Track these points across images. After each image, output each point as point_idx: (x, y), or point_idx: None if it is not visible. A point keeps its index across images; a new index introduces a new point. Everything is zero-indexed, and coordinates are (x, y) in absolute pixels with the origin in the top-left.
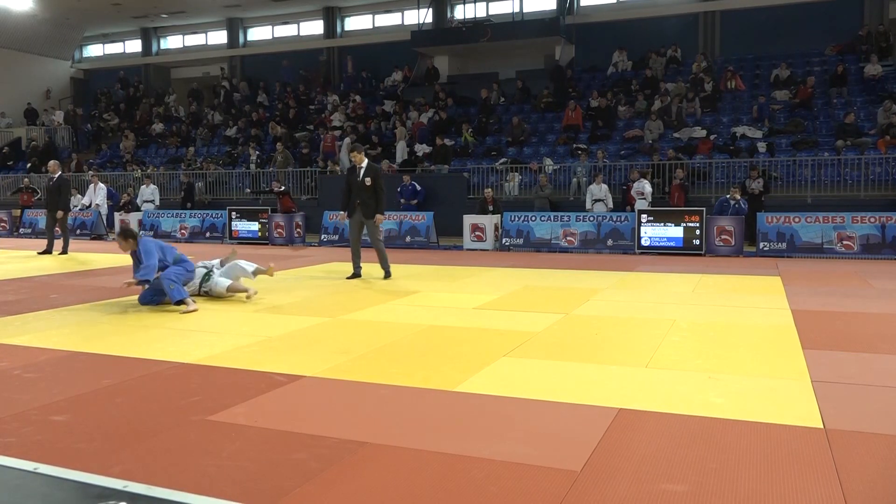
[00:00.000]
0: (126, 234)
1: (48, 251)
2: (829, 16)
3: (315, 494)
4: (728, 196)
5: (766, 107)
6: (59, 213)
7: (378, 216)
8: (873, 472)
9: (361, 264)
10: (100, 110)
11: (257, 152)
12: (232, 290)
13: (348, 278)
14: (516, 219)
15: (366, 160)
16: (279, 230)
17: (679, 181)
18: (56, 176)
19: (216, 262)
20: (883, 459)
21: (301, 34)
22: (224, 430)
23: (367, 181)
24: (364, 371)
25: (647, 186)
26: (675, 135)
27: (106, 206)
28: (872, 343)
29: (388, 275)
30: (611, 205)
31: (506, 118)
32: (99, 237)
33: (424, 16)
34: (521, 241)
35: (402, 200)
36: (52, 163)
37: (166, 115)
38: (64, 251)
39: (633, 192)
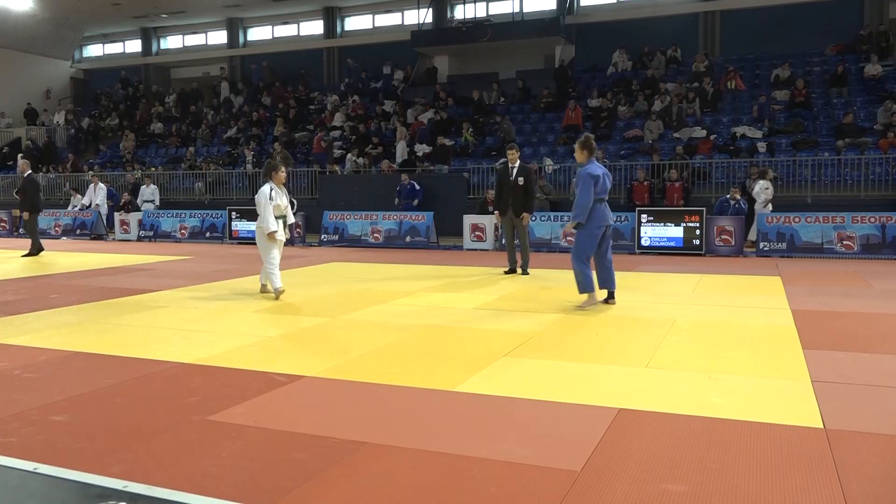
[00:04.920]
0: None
1: (32, 252)
2: (829, 16)
3: (315, 494)
4: (728, 196)
5: (766, 107)
6: (26, 214)
7: (525, 214)
8: (873, 472)
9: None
10: (100, 110)
11: (253, 153)
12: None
13: (505, 273)
14: None
15: (519, 160)
16: None
17: (673, 181)
18: (25, 175)
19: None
20: (883, 459)
21: (301, 34)
22: (224, 430)
23: (520, 181)
24: (364, 371)
25: (756, 186)
26: (675, 135)
27: (106, 206)
28: (872, 343)
29: (525, 272)
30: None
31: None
32: (99, 237)
33: (424, 16)
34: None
35: (397, 200)
36: (21, 162)
37: (166, 115)
38: (33, 252)
39: (753, 194)
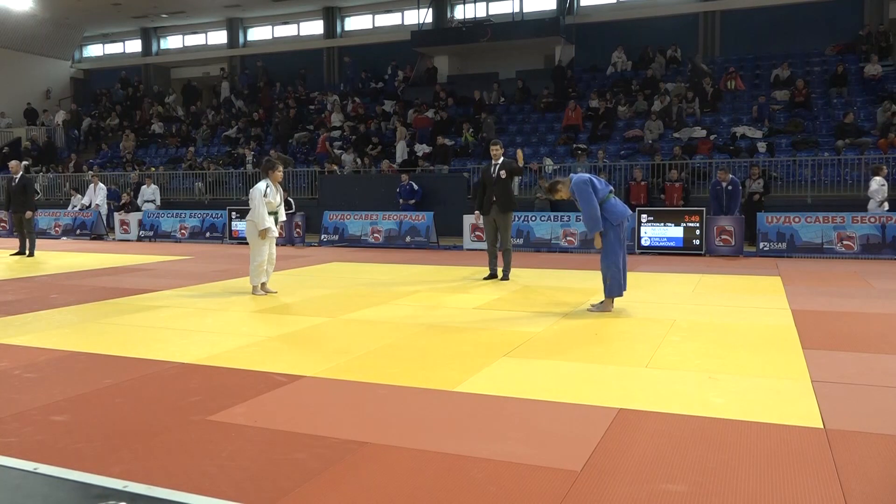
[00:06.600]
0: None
1: (22, 252)
2: (829, 16)
3: (315, 494)
4: (718, 179)
5: (766, 107)
6: (28, 214)
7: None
8: (873, 472)
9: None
10: (100, 110)
11: (253, 153)
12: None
13: (485, 279)
14: (516, 219)
15: (502, 156)
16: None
17: (673, 181)
18: (18, 176)
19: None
20: (883, 459)
21: (301, 34)
22: (224, 430)
23: (503, 174)
24: (364, 371)
25: (872, 184)
26: (675, 135)
27: (106, 206)
28: (872, 343)
29: (506, 277)
30: None
31: (507, 118)
32: (99, 237)
33: (424, 16)
34: (521, 241)
35: (401, 200)
36: (13, 163)
37: (166, 115)
38: (30, 253)
39: (869, 193)
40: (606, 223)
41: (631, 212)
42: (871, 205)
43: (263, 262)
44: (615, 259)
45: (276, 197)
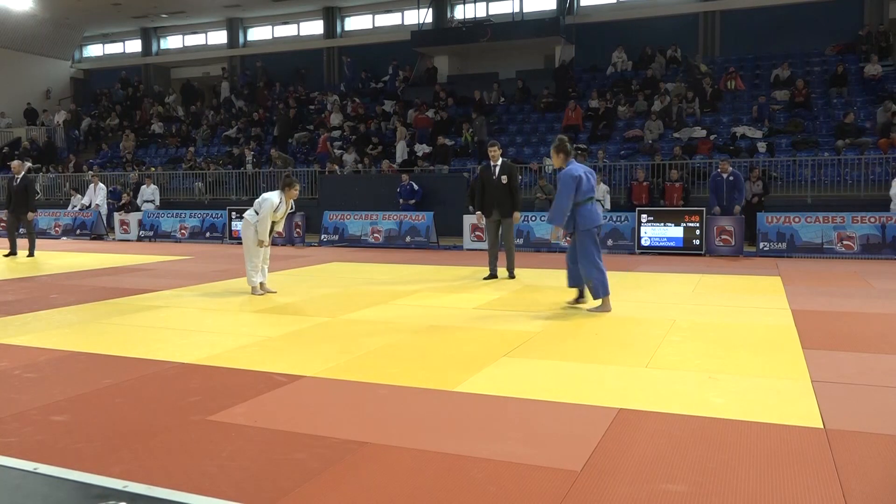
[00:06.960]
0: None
1: (13, 253)
2: (829, 16)
3: (315, 494)
4: (718, 170)
5: (766, 107)
6: (31, 215)
7: (515, 214)
8: (873, 472)
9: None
10: (100, 110)
11: (253, 153)
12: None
13: (485, 279)
14: None
15: (501, 157)
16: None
17: (673, 181)
18: (20, 176)
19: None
20: (883, 459)
21: (301, 34)
22: (224, 430)
23: (504, 179)
24: (364, 371)
25: (894, 186)
26: (675, 135)
27: (106, 205)
28: (872, 343)
29: (512, 276)
30: (608, 206)
31: (507, 118)
32: (99, 237)
33: (424, 16)
34: (520, 241)
35: (402, 200)
36: (15, 163)
37: (166, 115)
38: (31, 253)
39: (891, 193)
40: (573, 223)
41: (603, 222)
42: (893, 206)
43: (259, 261)
44: (592, 260)
45: (283, 212)
